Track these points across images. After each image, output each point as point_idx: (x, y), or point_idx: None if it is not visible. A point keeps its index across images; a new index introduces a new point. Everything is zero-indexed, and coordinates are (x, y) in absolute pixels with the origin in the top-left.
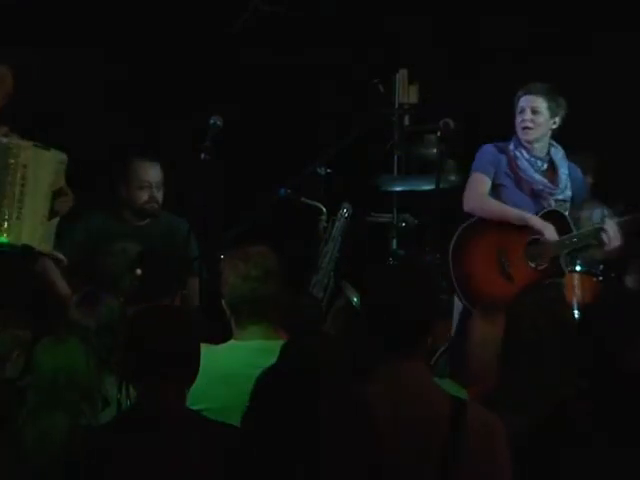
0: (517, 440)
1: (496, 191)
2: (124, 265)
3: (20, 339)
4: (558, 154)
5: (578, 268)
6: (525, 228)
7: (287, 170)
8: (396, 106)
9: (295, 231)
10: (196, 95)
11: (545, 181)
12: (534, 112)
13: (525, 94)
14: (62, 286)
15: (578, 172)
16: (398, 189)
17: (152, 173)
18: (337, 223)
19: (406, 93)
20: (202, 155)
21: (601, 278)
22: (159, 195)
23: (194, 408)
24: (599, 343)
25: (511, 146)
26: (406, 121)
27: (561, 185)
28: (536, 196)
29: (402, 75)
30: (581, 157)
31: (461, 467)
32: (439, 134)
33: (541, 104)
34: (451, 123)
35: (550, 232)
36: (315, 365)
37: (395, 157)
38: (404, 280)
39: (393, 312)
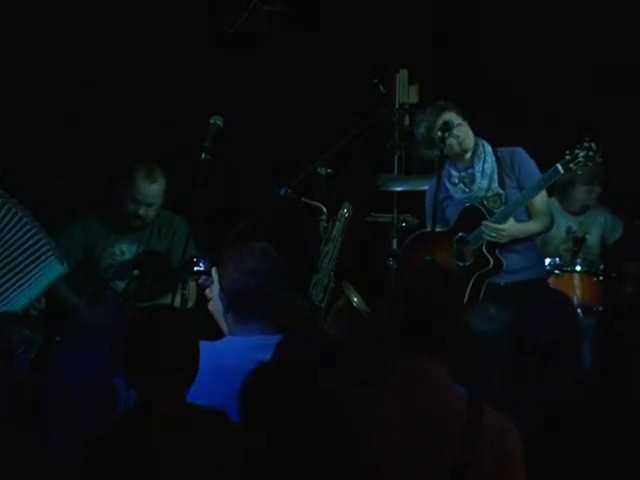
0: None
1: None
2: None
3: (27, 338)
4: (477, 151)
5: (578, 268)
6: (446, 235)
7: (287, 170)
8: (396, 106)
9: (295, 231)
10: (197, 95)
11: (460, 194)
12: (458, 125)
13: (441, 115)
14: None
15: (516, 154)
16: (398, 189)
17: (149, 195)
18: (337, 223)
19: (406, 93)
20: (202, 155)
21: (601, 278)
22: (150, 211)
23: None
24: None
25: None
26: (406, 121)
27: (475, 187)
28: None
29: (402, 75)
30: (589, 165)
31: (476, 465)
32: (439, 134)
33: (456, 117)
34: (451, 123)
35: None
36: (311, 362)
37: (395, 157)
38: (439, 284)
39: (425, 313)
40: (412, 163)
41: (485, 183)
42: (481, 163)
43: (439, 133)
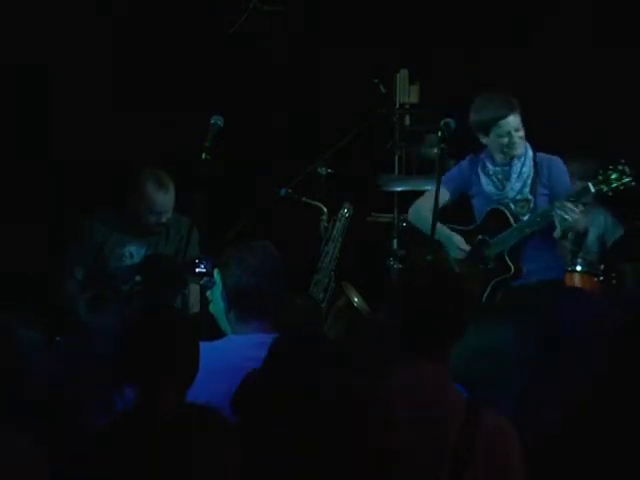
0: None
1: (471, 201)
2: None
3: (27, 338)
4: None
5: (579, 268)
6: (468, 233)
7: (288, 170)
8: (396, 106)
9: (295, 231)
10: (197, 95)
11: (492, 189)
12: (517, 130)
13: (506, 116)
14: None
15: (553, 162)
16: (399, 189)
17: (166, 204)
18: (338, 223)
19: (406, 93)
20: (202, 155)
21: (602, 278)
22: (166, 217)
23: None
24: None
25: (481, 156)
26: (406, 121)
27: (508, 188)
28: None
29: (402, 75)
30: (583, 162)
31: (474, 467)
32: (440, 134)
33: (517, 121)
34: (451, 123)
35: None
36: (306, 360)
37: (396, 157)
38: (440, 284)
39: (428, 314)
40: (412, 163)
41: (518, 186)
42: (519, 165)
43: (439, 133)
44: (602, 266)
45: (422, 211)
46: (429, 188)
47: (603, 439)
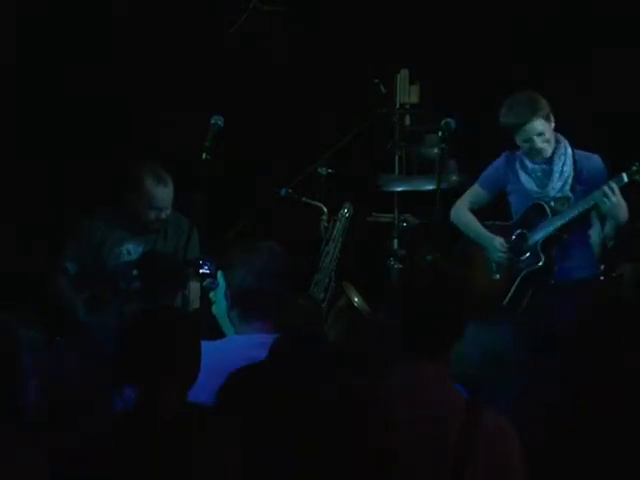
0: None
1: (508, 197)
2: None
3: (28, 338)
4: (559, 151)
5: None
6: (508, 228)
7: (288, 170)
8: (397, 106)
9: (295, 231)
10: (197, 95)
11: (533, 186)
12: (539, 135)
13: (527, 122)
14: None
15: (592, 161)
16: (399, 189)
17: (165, 199)
18: (338, 223)
19: (407, 93)
20: (202, 155)
21: (602, 278)
22: (166, 214)
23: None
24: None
25: (517, 154)
26: (407, 121)
27: (549, 187)
28: (536, 198)
29: (403, 75)
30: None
31: (474, 467)
32: (440, 134)
33: (541, 125)
34: (452, 123)
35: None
36: (305, 359)
37: (396, 157)
38: (439, 284)
39: (428, 314)
40: (412, 163)
41: (559, 185)
42: (560, 164)
43: (439, 133)
44: (602, 266)
45: (462, 215)
46: (429, 188)
47: (603, 439)
